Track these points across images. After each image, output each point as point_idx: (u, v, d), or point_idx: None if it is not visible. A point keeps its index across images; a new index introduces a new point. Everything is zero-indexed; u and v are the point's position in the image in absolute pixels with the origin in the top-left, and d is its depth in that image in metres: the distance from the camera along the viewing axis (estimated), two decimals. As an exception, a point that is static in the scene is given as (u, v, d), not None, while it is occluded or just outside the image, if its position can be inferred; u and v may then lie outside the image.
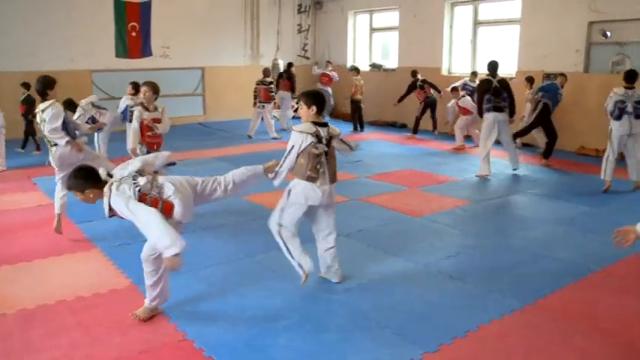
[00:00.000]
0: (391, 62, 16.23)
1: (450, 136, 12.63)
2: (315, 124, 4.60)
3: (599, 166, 8.70)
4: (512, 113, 9.34)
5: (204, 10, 15.58)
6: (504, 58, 13.06)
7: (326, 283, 4.95)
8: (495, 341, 4.03)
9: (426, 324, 4.24)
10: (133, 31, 12.93)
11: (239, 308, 4.48)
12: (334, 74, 15.77)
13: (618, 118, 8.20)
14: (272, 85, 13.46)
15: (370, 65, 16.59)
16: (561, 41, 11.81)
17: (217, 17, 15.86)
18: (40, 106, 5.96)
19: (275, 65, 16.02)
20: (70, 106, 8.99)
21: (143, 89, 6.75)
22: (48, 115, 5.83)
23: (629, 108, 8.14)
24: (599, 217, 7.13)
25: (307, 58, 18.09)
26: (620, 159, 8.74)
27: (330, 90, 15.51)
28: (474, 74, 12.71)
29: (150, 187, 3.91)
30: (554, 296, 4.77)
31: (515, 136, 10.70)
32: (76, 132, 6.33)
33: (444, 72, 14.46)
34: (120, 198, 3.75)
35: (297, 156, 4.55)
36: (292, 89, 14.36)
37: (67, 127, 5.95)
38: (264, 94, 13.28)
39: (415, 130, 13.74)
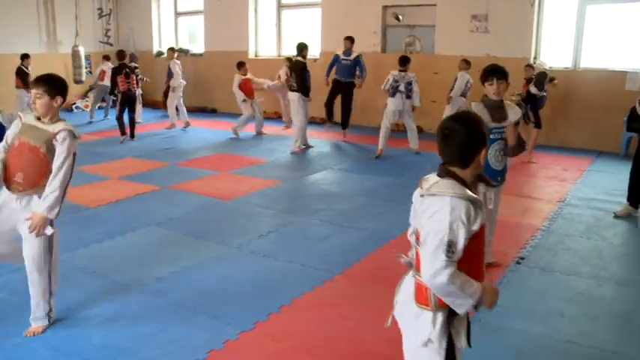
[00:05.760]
0: (198, 47, 15.98)
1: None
2: None
3: (399, 139, 9.56)
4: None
5: (-13, -11, 14.00)
6: (308, 41, 13.48)
7: (138, 275, 4.77)
8: (308, 312, 4.18)
9: (242, 304, 4.27)
10: None
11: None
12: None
13: (392, 95, 9.42)
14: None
15: (177, 50, 16.16)
16: (360, 24, 12.46)
17: (4, -2, 14.34)
18: None
19: (75, 52, 14.78)
20: None
21: None
22: None
23: (402, 87, 9.34)
24: (398, 187, 7.67)
25: (111, 45, 17.12)
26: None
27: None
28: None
29: None
30: (361, 264, 5.05)
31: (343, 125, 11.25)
32: None
33: (251, 55, 14.55)
34: None
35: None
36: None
37: None
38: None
39: (122, 132, 10.94)
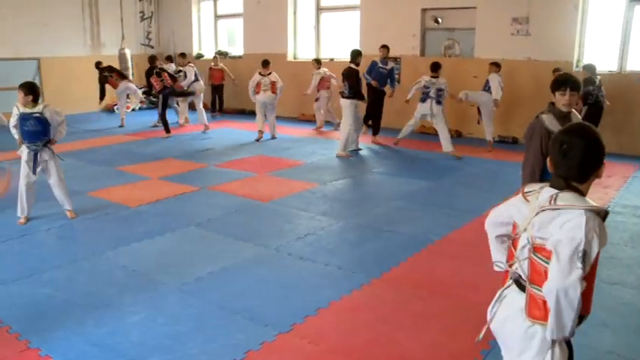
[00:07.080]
0: (237, 49, 16.13)
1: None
2: None
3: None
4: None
5: (34, -5, 14.38)
6: (347, 44, 13.49)
7: (177, 274, 4.83)
8: (345, 315, 4.16)
9: (279, 306, 4.28)
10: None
11: (86, 309, 4.23)
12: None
13: (423, 100, 9.75)
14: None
15: (216, 53, 16.35)
16: (399, 26, 12.38)
17: (50, 3, 14.69)
18: None
19: (122, 55, 15.07)
20: None
21: None
22: None
23: (432, 93, 9.55)
24: (436, 191, 7.62)
25: (152, 47, 17.41)
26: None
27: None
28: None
29: None
30: (398, 268, 5.02)
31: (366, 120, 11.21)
32: None
33: (290, 57, 14.62)
34: None
35: None
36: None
37: None
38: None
39: (166, 129, 11.71)
